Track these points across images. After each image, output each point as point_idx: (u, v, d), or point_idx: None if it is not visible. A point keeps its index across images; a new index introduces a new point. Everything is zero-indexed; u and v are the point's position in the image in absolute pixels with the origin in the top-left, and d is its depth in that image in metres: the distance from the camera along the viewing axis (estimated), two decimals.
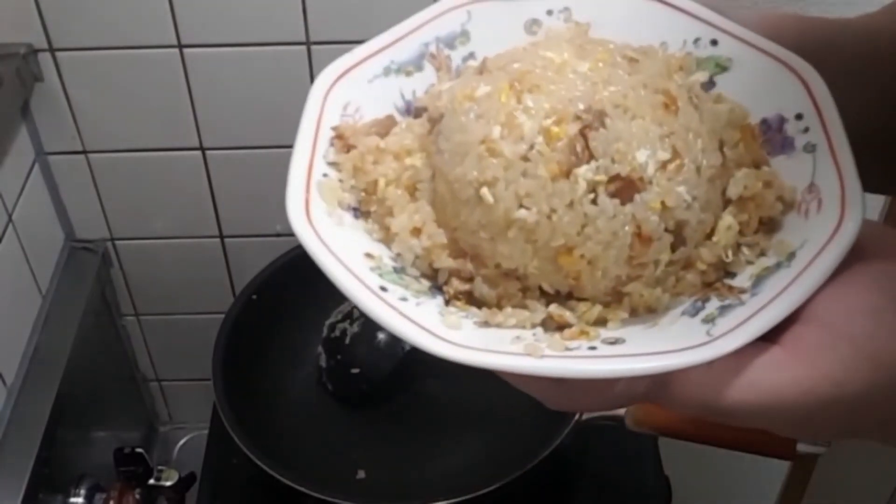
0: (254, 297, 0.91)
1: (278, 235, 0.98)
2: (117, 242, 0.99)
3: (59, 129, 0.89)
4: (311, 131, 0.39)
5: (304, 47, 0.85)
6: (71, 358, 0.88)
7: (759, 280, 0.34)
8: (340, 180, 0.38)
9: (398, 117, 0.41)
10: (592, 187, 0.35)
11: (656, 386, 0.32)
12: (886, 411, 0.32)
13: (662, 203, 0.35)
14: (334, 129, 0.39)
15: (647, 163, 0.35)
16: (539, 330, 0.36)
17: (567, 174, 0.35)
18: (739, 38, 0.40)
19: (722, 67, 0.41)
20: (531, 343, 0.34)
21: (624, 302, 0.36)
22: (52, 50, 0.84)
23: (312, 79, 0.87)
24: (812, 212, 0.35)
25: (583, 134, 0.35)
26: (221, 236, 0.99)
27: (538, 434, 0.82)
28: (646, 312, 0.36)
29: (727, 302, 0.34)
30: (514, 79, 0.37)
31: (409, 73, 0.42)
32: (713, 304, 0.34)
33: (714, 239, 0.36)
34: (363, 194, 0.38)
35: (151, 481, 0.91)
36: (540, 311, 0.36)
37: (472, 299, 0.37)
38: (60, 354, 0.88)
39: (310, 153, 0.38)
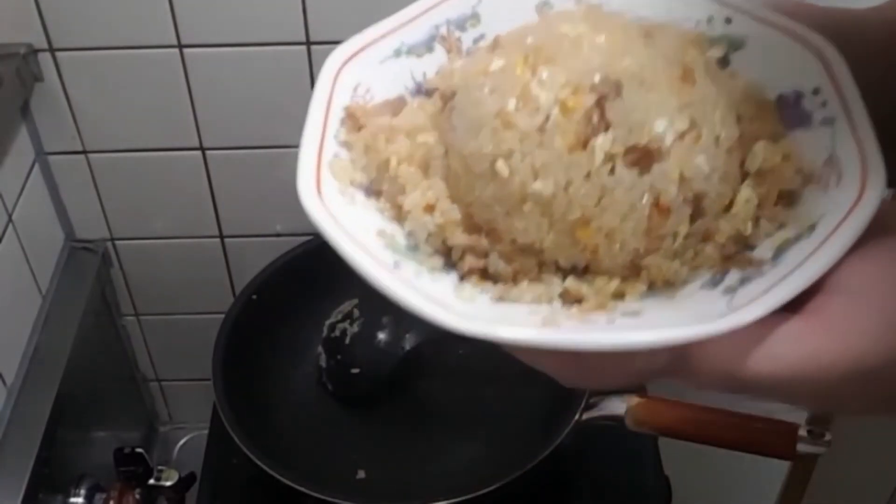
0: (254, 297, 0.91)
1: (278, 235, 0.98)
2: (117, 242, 0.99)
3: (59, 129, 0.89)
4: (322, 112, 0.38)
5: (304, 47, 0.85)
6: (71, 358, 0.88)
7: (779, 252, 0.34)
8: (352, 160, 0.38)
9: (409, 98, 0.40)
10: (609, 158, 0.34)
11: (676, 359, 0.32)
12: None
13: (681, 174, 0.34)
14: (345, 108, 0.39)
15: (664, 133, 0.34)
16: (556, 304, 0.35)
17: (584, 145, 0.34)
18: (754, 16, 0.40)
19: (736, 45, 0.40)
20: (548, 315, 0.34)
21: (642, 275, 0.35)
22: (52, 50, 0.84)
23: (312, 79, 0.88)
24: (832, 184, 0.34)
25: (599, 105, 0.34)
26: (221, 236, 0.99)
27: (538, 434, 0.82)
28: (664, 286, 0.35)
29: (747, 273, 0.33)
30: (529, 52, 0.37)
31: (419, 55, 0.41)
32: (733, 276, 0.34)
33: (733, 211, 0.36)
34: (375, 173, 0.38)
35: (151, 481, 0.91)
36: (556, 285, 0.36)
37: (486, 276, 0.36)
38: (60, 354, 0.88)
39: (320, 133, 0.37)
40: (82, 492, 0.87)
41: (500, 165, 0.35)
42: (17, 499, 0.77)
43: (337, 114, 0.38)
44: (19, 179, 0.87)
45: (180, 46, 0.84)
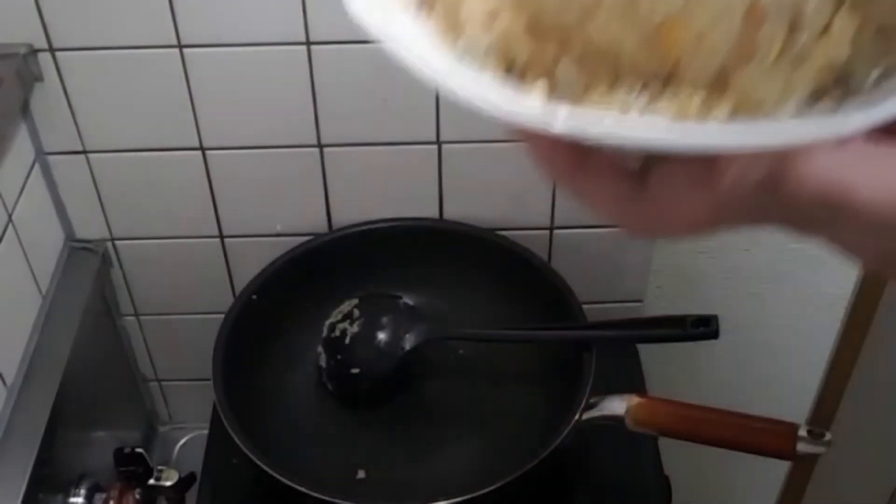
0: (254, 297, 0.91)
1: (278, 235, 0.98)
2: (117, 242, 0.99)
3: (59, 129, 0.89)
4: None
5: (304, 47, 0.85)
6: (71, 358, 0.88)
7: (883, 77, 0.30)
8: None
9: None
10: None
11: (775, 174, 0.28)
12: None
13: None
14: None
15: None
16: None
17: None
18: None
19: None
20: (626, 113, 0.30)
21: (728, 92, 0.31)
22: (52, 50, 0.84)
23: (313, 79, 0.88)
24: None
25: None
26: (221, 236, 0.99)
27: (538, 434, 0.82)
28: (751, 110, 0.31)
29: (846, 100, 0.30)
30: None
31: None
32: (829, 103, 0.30)
33: (829, 35, 0.32)
34: None
35: (151, 481, 0.91)
36: (634, 96, 0.32)
37: (553, 91, 0.32)
38: (60, 354, 0.88)
39: None
40: (82, 492, 0.87)
41: None
42: (17, 499, 0.77)
43: None
44: (19, 179, 0.87)
45: (180, 46, 0.84)
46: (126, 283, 1.03)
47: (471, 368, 0.95)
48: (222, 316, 0.89)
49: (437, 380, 0.94)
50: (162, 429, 1.17)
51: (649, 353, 1.06)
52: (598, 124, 0.28)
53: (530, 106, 0.29)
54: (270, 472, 0.76)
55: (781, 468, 1.31)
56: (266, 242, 0.98)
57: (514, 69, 0.33)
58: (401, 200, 0.97)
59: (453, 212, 0.98)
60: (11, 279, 0.86)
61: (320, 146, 0.92)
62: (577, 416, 0.79)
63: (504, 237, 0.96)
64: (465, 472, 0.85)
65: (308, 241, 0.96)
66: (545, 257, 1.00)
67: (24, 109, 0.88)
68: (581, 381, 0.82)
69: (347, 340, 0.90)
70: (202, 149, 0.92)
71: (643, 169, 0.32)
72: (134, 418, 1.12)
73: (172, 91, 0.87)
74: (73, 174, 0.93)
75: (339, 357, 0.90)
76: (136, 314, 1.06)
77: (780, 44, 0.31)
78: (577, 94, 0.32)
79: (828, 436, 0.77)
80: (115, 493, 0.88)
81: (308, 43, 0.85)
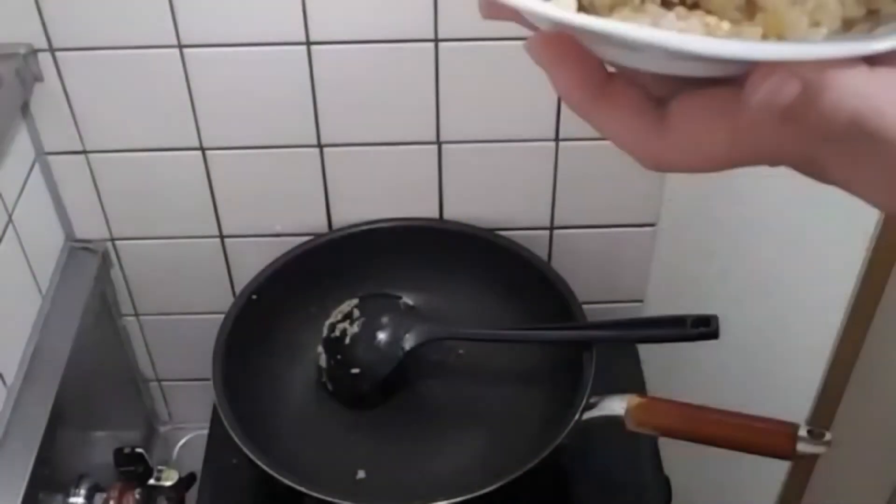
0: (254, 297, 0.91)
1: (278, 235, 0.98)
2: (117, 242, 0.99)
3: (59, 129, 0.89)
4: None
5: (304, 47, 0.85)
6: (71, 358, 0.88)
7: None
8: None
9: None
10: None
11: (807, 94, 0.27)
12: None
13: None
14: None
15: None
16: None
17: None
18: None
19: None
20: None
21: (757, 18, 0.30)
22: (52, 50, 0.84)
23: (313, 79, 0.88)
24: None
25: None
26: (221, 236, 0.99)
27: (538, 434, 0.82)
28: (782, 35, 0.30)
29: (875, 28, 0.29)
30: None
31: None
32: (859, 31, 0.30)
33: None
34: None
35: (151, 481, 0.91)
36: (662, 15, 0.30)
37: (580, 9, 0.31)
38: (60, 354, 0.88)
39: None
40: (82, 492, 0.87)
41: None
42: (17, 499, 0.77)
43: None
44: (19, 179, 0.87)
45: (180, 46, 0.84)
46: (126, 283, 1.03)
47: (471, 368, 0.95)
48: (222, 316, 0.89)
49: (437, 380, 0.94)
50: (162, 429, 1.17)
51: (649, 353, 1.06)
52: (632, 27, 0.27)
53: (563, 6, 0.28)
54: (270, 472, 0.76)
55: (781, 468, 1.31)
56: (266, 242, 0.98)
57: None
58: (401, 200, 0.97)
59: (453, 212, 0.98)
60: (11, 279, 0.86)
61: (320, 146, 0.92)
62: (577, 416, 0.79)
63: (504, 237, 0.96)
64: (465, 472, 0.85)
65: (308, 241, 0.96)
66: (545, 257, 1.00)
67: (24, 109, 0.88)
68: (581, 381, 0.82)
69: (347, 340, 0.90)
70: (202, 149, 0.92)
71: (664, 98, 0.31)
72: (134, 418, 1.12)
73: (172, 91, 0.87)
74: (73, 174, 0.93)
75: (339, 357, 0.90)
76: (136, 314, 1.06)
77: None
78: (603, 13, 0.31)
79: (828, 436, 0.77)
80: (115, 493, 0.88)
81: (308, 43, 0.85)
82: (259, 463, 0.77)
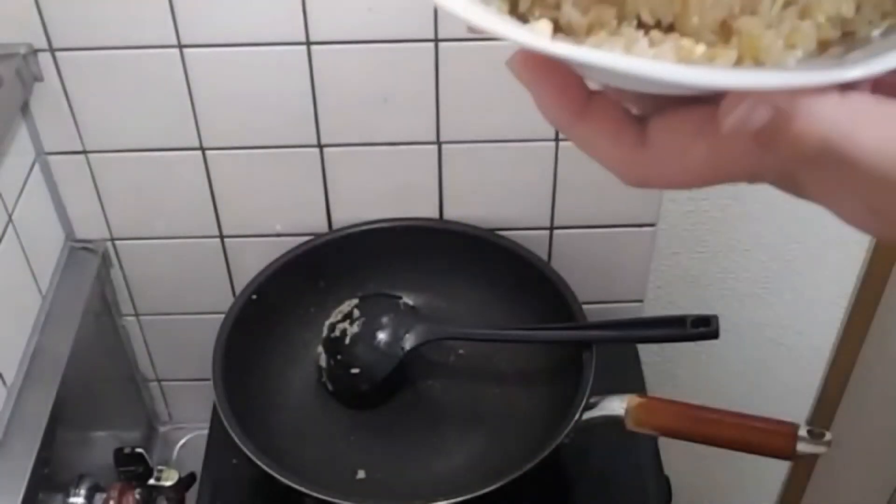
0: (254, 297, 0.91)
1: (278, 235, 0.98)
2: (117, 242, 0.99)
3: (59, 129, 0.89)
4: None
5: (304, 47, 0.85)
6: (71, 358, 0.88)
7: (887, 33, 0.30)
8: None
9: None
10: None
11: (777, 120, 0.28)
12: None
13: None
14: None
15: None
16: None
17: None
18: None
19: None
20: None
21: (732, 41, 0.31)
22: (52, 50, 0.84)
23: (312, 79, 0.88)
24: None
25: None
26: (221, 236, 0.99)
27: (538, 434, 0.82)
28: (756, 58, 0.31)
29: (851, 52, 0.30)
30: None
31: None
32: (834, 56, 0.30)
33: None
34: None
35: (151, 481, 0.91)
36: (636, 39, 0.31)
37: (557, 29, 0.32)
38: (60, 354, 0.88)
39: None
40: (82, 492, 0.87)
41: None
42: (17, 499, 0.77)
43: None
44: (19, 179, 0.87)
45: (180, 46, 0.84)
46: (126, 283, 1.03)
47: (471, 368, 0.95)
48: (222, 316, 0.89)
49: (437, 380, 0.94)
50: (162, 429, 1.17)
51: (649, 353, 1.06)
52: (604, 54, 0.28)
53: (537, 33, 0.29)
54: (270, 472, 0.76)
55: (781, 468, 1.31)
56: (266, 242, 0.98)
57: (519, 9, 0.33)
58: (401, 200, 0.97)
59: (453, 212, 0.98)
60: (11, 279, 0.86)
61: (320, 146, 0.92)
62: (577, 416, 0.79)
63: (504, 237, 0.96)
64: (465, 472, 0.85)
65: (308, 241, 0.96)
66: (545, 257, 1.00)
67: (24, 109, 0.88)
68: (581, 381, 0.82)
69: (347, 340, 0.90)
70: (202, 149, 0.92)
71: (644, 117, 0.32)
72: (134, 418, 1.12)
73: (172, 91, 0.87)
74: (73, 174, 0.93)
75: (339, 357, 0.90)
76: (136, 314, 1.06)
77: None
78: (580, 36, 0.31)
79: (828, 436, 0.77)
80: (114, 493, 0.88)
81: (308, 43, 0.85)
82: (259, 463, 0.77)
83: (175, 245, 1.00)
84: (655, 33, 0.31)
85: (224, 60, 0.86)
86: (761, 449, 0.79)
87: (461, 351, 0.95)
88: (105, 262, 0.99)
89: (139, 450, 0.90)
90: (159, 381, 1.14)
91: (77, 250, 0.98)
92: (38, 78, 0.86)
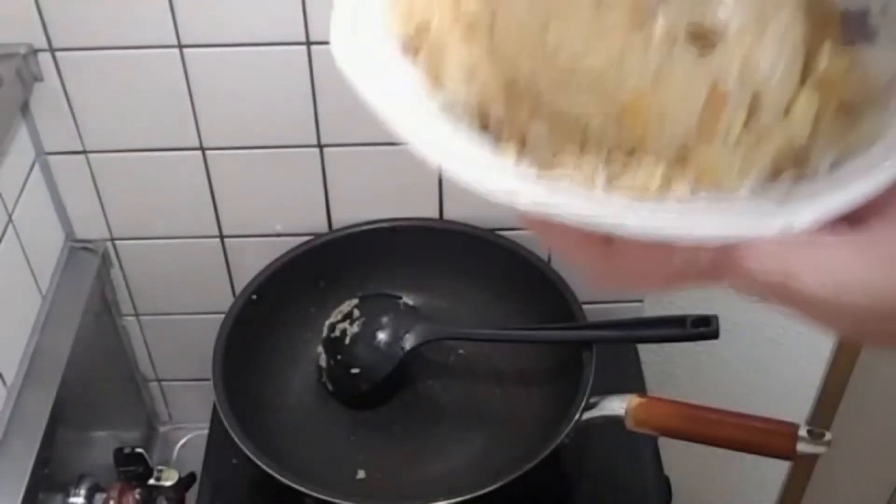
0: (254, 297, 0.91)
1: (278, 235, 0.98)
2: (117, 242, 0.99)
3: (59, 129, 0.89)
4: None
5: (304, 47, 0.85)
6: (71, 358, 0.88)
7: (836, 164, 0.32)
8: (392, 18, 0.36)
9: None
10: (669, 36, 0.32)
11: (721, 259, 0.30)
12: None
13: (742, 63, 0.32)
14: None
15: (729, 17, 0.32)
16: (598, 183, 0.33)
17: (643, 19, 0.32)
18: None
19: None
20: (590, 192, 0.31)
21: (690, 169, 0.33)
22: (52, 50, 0.84)
23: (313, 79, 0.88)
24: (893, 106, 0.32)
25: None
26: (221, 236, 0.99)
27: (538, 434, 0.82)
28: (712, 186, 0.33)
29: (800, 182, 0.31)
30: None
31: None
32: (784, 185, 0.32)
33: (790, 117, 0.33)
34: (414, 35, 0.36)
35: (151, 481, 0.91)
36: (599, 166, 0.33)
37: (524, 151, 0.34)
38: (60, 354, 0.88)
39: None
40: (82, 492, 0.87)
41: (551, 35, 0.33)
42: (17, 499, 0.77)
43: None
44: (19, 179, 0.87)
45: (180, 46, 0.84)
46: (126, 283, 1.03)
47: (471, 368, 0.95)
48: (222, 316, 0.89)
49: (437, 380, 0.94)
50: (162, 429, 1.17)
51: (649, 353, 1.06)
52: (559, 205, 0.30)
53: (499, 176, 0.31)
54: (270, 472, 0.76)
55: (781, 468, 1.31)
56: (266, 242, 0.98)
57: (491, 126, 0.34)
58: (401, 200, 0.97)
59: (453, 212, 0.98)
60: (11, 279, 0.86)
61: (320, 146, 0.92)
62: (577, 416, 0.79)
63: (504, 237, 0.96)
64: (465, 473, 0.85)
65: (308, 241, 0.96)
66: (545, 257, 1.00)
67: (24, 109, 0.88)
68: (581, 381, 0.82)
69: (347, 340, 0.90)
70: (202, 149, 0.92)
71: None
72: (134, 418, 1.12)
73: (172, 91, 0.87)
74: (73, 174, 0.93)
75: (339, 357, 0.90)
76: (136, 314, 1.06)
77: (742, 124, 0.33)
78: (547, 157, 0.33)
79: (828, 436, 0.77)
80: (114, 493, 0.88)
81: (308, 43, 0.85)
82: (259, 463, 0.77)
83: (175, 245, 1.00)
84: (617, 157, 0.33)
85: (224, 60, 0.86)
86: (761, 449, 0.79)
87: (461, 351, 0.95)
88: (105, 262, 0.99)
89: (139, 450, 0.90)
90: (159, 381, 1.14)
91: (77, 250, 0.98)
92: (38, 78, 0.86)
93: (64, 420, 0.85)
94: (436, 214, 0.98)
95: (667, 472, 0.92)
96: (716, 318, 0.83)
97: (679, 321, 0.84)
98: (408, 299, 0.95)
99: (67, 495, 0.87)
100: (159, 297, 1.05)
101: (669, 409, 0.82)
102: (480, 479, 0.76)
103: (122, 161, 0.92)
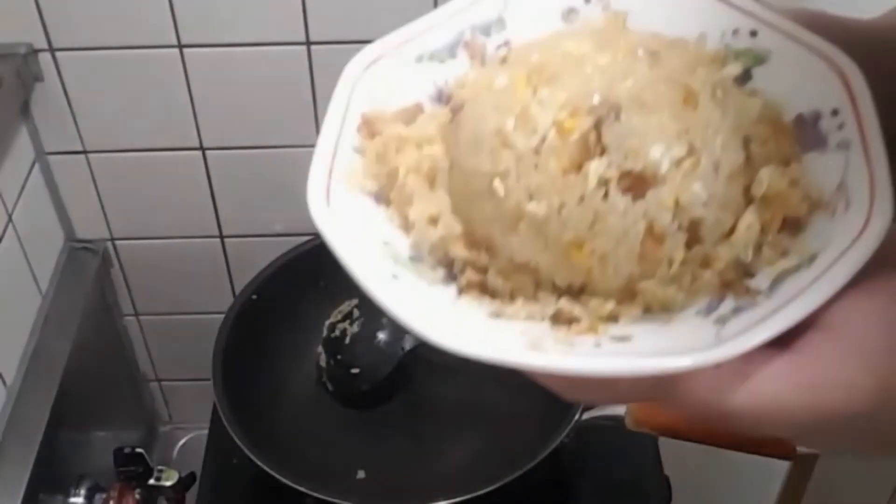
0: (254, 297, 0.91)
1: (278, 235, 0.98)
2: (117, 242, 0.99)
3: (59, 129, 0.89)
4: (339, 117, 0.38)
5: (304, 47, 0.85)
6: (71, 358, 0.88)
7: (777, 281, 0.33)
8: (364, 167, 0.38)
9: (428, 105, 0.40)
10: (603, 183, 0.34)
11: (662, 385, 0.32)
12: (890, 435, 0.31)
13: (676, 200, 0.34)
14: (362, 115, 0.39)
15: (661, 159, 0.34)
16: (547, 324, 0.35)
17: (578, 168, 0.34)
18: (779, 30, 0.39)
19: (760, 59, 0.40)
20: (536, 337, 0.34)
21: (637, 299, 0.35)
22: (52, 50, 0.84)
23: (312, 79, 0.88)
24: (839, 211, 0.34)
25: (596, 127, 0.35)
26: (221, 236, 0.99)
27: (538, 434, 0.82)
28: (661, 310, 0.35)
29: (741, 304, 0.33)
30: (532, 70, 0.37)
31: (442, 61, 0.41)
32: (727, 305, 0.34)
33: (734, 237, 0.35)
34: (385, 181, 0.38)
35: (151, 481, 0.91)
36: (551, 304, 0.36)
37: (485, 290, 0.37)
38: (60, 354, 0.88)
39: (335, 139, 0.37)
40: (82, 492, 0.87)
41: (497, 185, 0.35)
42: (17, 499, 0.77)
43: (354, 120, 0.39)
44: (19, 179, 0.87)
45: (180, 46, 0.84)
46: (126, 283, 1.03)
47: (471, 368, 0.94)
48: (222, 316, 0.89)
49: (437, 380, 0.94)
50: (162, 429, 1.17)
51: None
52: (504, 353, 0.33)
53: (432, 330, 0.35)
54: (270, 472, 0.76)
55: (781, 468, 1.31)
56: (266, 242, 0.98)
57: (454, 267, 0.37)
58: None
59: None
60: (11, 279, 0.86)
61: None
62: (577, 416, 0.79)
63: None
64: (465, 472, 0.85)
65: (308, 241, 0.96)
66: None
67: (24, 109, 0.88)
68: None
69: (347, 340, 0.90)
70: (202, 149, 0.92)
71: None
72: (134, 418, 1.12)
73: (172, 91, 0.87)
74: (73, 174, 0.93)
75: (339, 357, 0.90)
76: (136, 314, 1.06)
77: (682, 256, 0.35)
78: (505, 298, 0.36)
79: None
80: (114, 493, 0.88)
81: (308, 43, 0.85)
82: (259, 463, 0.77)
83: (175, 245, 1.00)
84: (565, 301, 0.35)
85: (224, 60, 0.86)
86: (761, 449, 0.79)
87: None
88: (105, 262, 0.99)
89: (139, 450, 0.90)
90: (159, 381, 1.14)
91: (77, 250, 0.98)
92: (38, 78, 0.86)
93: (64, 420, 0.85)
94: None
95: (667, 472, 0.92)
96: None
97: None
98: None
99: (67, 495, 0.87)
100: (159, 297, 1.05)
101: (669, 409, 0.82)
102: (480, 479, 0.76)
103: (122, 161, 0.92)
